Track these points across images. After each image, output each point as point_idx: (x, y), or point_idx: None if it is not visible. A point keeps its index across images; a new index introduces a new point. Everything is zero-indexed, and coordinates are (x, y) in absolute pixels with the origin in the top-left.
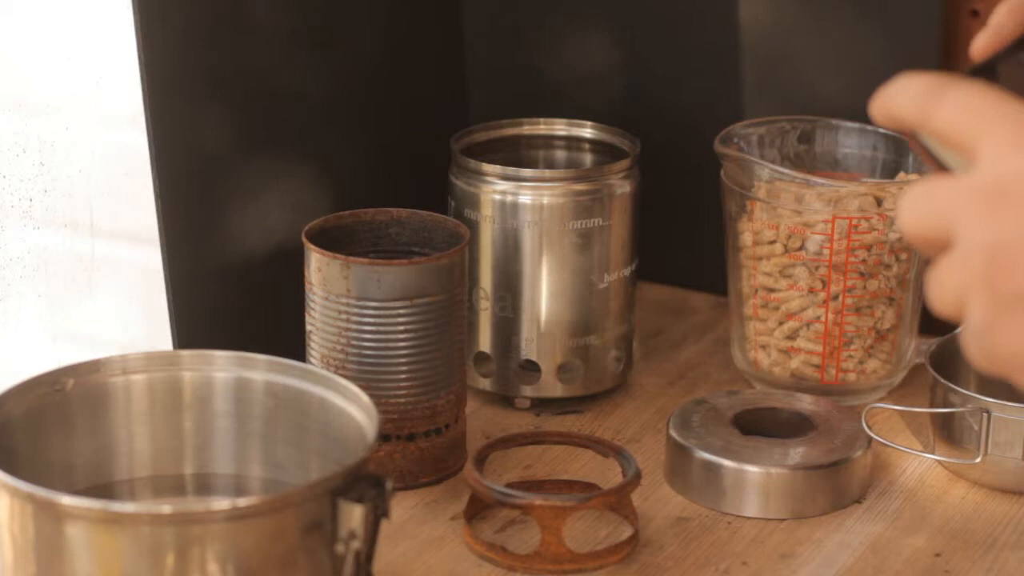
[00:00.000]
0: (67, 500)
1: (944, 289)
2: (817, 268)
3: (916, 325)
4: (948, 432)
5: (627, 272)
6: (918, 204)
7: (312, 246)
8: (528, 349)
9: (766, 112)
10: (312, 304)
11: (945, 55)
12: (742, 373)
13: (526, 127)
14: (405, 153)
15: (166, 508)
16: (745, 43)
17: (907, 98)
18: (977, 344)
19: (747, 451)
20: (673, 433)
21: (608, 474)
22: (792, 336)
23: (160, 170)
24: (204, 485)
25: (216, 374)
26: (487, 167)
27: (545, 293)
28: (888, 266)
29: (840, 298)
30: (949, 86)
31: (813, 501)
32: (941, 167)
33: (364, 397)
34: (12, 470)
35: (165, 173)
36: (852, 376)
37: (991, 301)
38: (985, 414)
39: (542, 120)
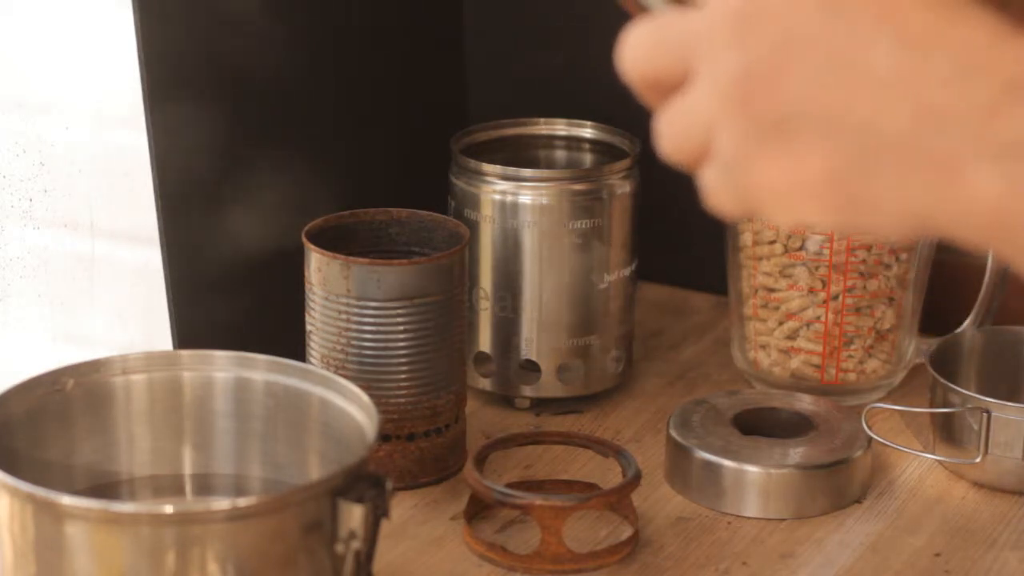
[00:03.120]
0: (67, 500)
1: (684, 127)
2: (817, 268)
3: (916, 325)
4: (948, 432)
5: (627, 272)
6: (647, 41)
7: (312, 246)
8: (528, 349)
9: None
10: (312, 304)
11: None
12: (742, 373)
13: (526, 127)
14: (405, 153)
15: (166, 508)
16: None
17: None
18: (727, 181)
19: (747, 451)
20: (673, 433)
21: (608, 474)
22: (792, 336)
23: (160, 170)
24: (204, 485)
25: (216, 374)
26: (487, 167)
27: (545, 293)
28: (888, 266)
29: (840, 298)
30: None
31: (813, 501)
32: (645, 9)
33: (364, 397)
34: (12, 470)
35: (165, 173)
36: (852, 376)
37: (747, 130)
38: (985, 414)
39: (542, 120)
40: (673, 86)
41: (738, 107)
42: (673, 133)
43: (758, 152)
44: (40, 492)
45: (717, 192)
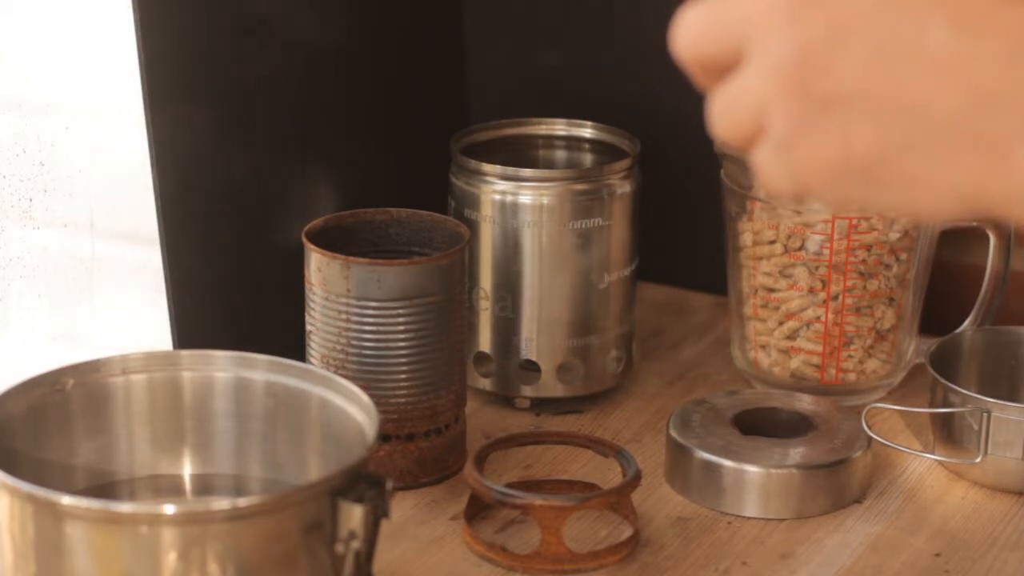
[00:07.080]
0: (67, 500)
1: (739, 107)
2: (817, 268)
3: (916, 325)
4: (948, 432)
5: (627, 272)
6: (701, 23)
7: (312, 246)
8: (528, 349)
9: None
10: (312, 304)
11: None
12: (742, 373)
13: (526, 127)
14: (405, 153)
15: (166, 508)
16: None
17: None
18: (780, 160)
19: (747, 451)
20: (673, 433)
21: (608, 474)
22: (792, 336)
23: (160, 170)
24: (204, 485)
25: (216, 374)
26: (487, 167)
27: (545, 293)
28: (888, 266)
29: (840, 298)
30: None
31: (813, 501)
32: None
33: (364, 397)
34: (12, 470)
35: (165, 173)
36: (852, 376)
37: (801, 108)
38: (985, 414)
39: (542, 120)
40: (726, 67)
41: (792, 87)
42: (726, 113)
43: (811, 131)
44: (40, 492)
45: (770, 172)
